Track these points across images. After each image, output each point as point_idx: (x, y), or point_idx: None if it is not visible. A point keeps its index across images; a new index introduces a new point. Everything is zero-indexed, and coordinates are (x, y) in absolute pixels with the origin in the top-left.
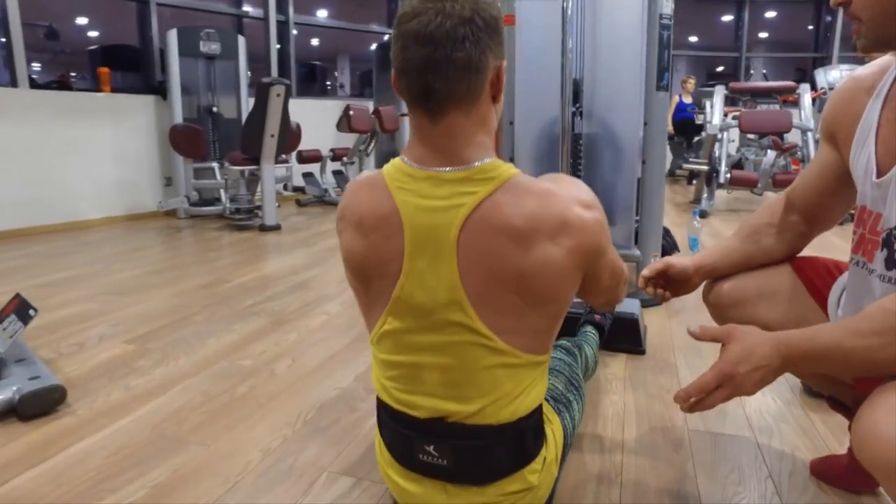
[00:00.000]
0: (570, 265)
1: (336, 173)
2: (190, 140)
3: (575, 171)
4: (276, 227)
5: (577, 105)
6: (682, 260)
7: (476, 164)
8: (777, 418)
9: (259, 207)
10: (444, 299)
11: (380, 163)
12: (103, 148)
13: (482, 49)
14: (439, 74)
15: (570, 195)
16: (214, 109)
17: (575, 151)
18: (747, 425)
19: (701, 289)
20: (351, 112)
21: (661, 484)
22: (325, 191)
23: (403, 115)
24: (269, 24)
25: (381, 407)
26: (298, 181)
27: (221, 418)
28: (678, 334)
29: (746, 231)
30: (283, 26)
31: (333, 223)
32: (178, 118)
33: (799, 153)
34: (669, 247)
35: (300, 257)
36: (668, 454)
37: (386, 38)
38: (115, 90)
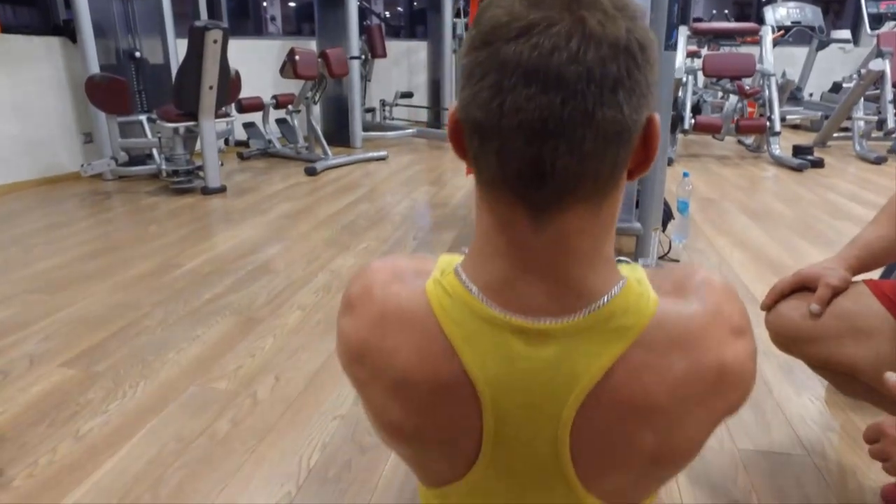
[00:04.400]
0: (716, 424)
1: (280, 122)
2: (112, 93)
3: None
4: (222, 189)
5: None
6: (835, 273)
7: (604, 300)
8: (822, 426)
9: (200, 168)
10: (546, 480)
11: (327, 111)
12: None
13: (639, 99)
14: (568, 143)
15: (725, 322)
16: (137, 54)
17: None
18: (796, 439)
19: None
20: (296, 56)
21: None
22: (270, 142)
23: (353, 57)
24: None
25: None
26: (240, 133)
27: (205, 474)
28: None
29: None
30: None
31: (283, 181)
32: (94, 66)
33: (760, 98)
34: (665, 216)
35: (255, 227)
36: (725, 486)
37: None
38: (6, 30)
